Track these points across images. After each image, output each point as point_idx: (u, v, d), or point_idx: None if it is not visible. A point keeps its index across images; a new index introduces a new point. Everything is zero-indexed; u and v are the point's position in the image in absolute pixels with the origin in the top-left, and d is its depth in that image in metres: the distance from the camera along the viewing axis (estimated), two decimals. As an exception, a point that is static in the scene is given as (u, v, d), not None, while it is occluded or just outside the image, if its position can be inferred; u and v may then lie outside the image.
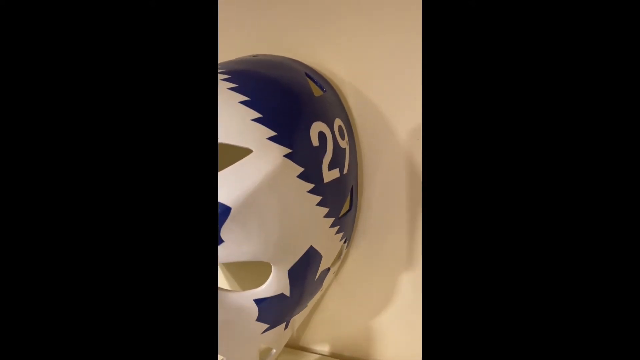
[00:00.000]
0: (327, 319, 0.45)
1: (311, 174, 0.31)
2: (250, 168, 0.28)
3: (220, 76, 0.31)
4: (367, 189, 0.41)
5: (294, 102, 0.32)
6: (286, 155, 0.29)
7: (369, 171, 0.40)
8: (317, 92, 0.35)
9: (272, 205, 0.29)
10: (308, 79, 0.35)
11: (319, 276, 0.35)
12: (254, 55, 0.37)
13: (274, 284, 0.31)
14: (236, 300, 0.31)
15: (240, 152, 0.30)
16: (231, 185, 0.27)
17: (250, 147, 0.28)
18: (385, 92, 0.39)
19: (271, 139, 0.29)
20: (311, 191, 0.31)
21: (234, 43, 0.43)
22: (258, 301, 0.31)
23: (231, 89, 0.30)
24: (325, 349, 0.45)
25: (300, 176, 0.30)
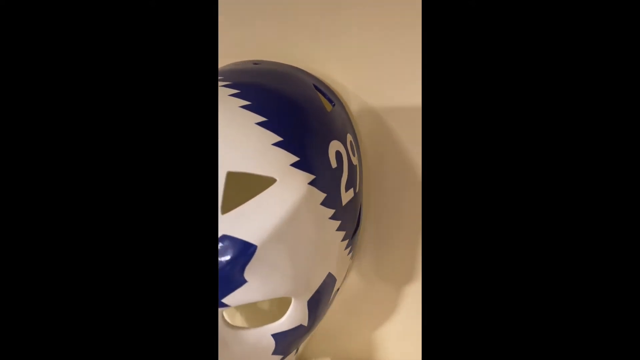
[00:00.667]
0: (328, 332, 0.43)
1: (332, 199, 0.29)
2: (275, 199, 0.25)
3: (228, 90, 0.28)
4: (370, 202, 0.39)
5: (310, 122, 0.29)
6: (310, 183, 0.27)
7: (372, 183, 0.39)
8: (327, 106, 0.33)
9: (297, 238, 0.26)
10: (318, 92, 0.33)
11: (331, 298, 0.34)
12: (255, 63, 0.34)
13: (293, 317, 0.29)
14: (253, 337, 0.29)
15: (260, 180, 0.27)
16: (256, 220, 0.25)
17: (274, 176, 0.26)
18: (389, 99, 0.37)
19: (295, 165, 0.26)
20: (332, 217, 0.29)
21: (231, 46, 0.39)
22: (276, 335, 0.29)
23: (244, 107, 0.27)
24: (326, 362, 0.44)
25: (324, 203, 0.28)
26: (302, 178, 0.26)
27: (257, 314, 0.43)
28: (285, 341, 0.30)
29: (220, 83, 0.29)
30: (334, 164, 0.29)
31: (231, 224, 0.24)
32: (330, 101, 0.34)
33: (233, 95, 0.28)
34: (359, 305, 0.42)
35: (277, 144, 0.26)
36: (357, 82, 0.38)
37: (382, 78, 0.37)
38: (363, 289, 0.42)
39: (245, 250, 0.25)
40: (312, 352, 0.45)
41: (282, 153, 0.26)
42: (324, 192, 0.28)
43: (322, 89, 0.34)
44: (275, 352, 0.30)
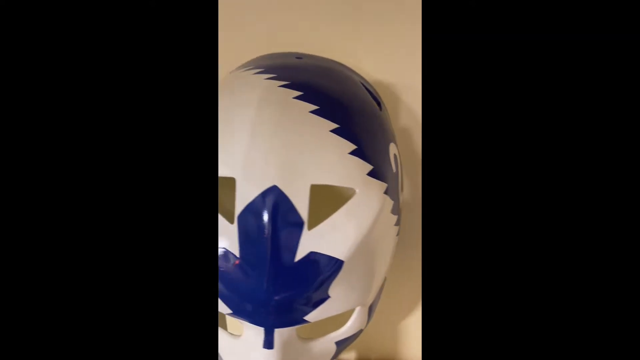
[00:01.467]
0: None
1: (396, 205, 0.28)
2: (357, 212, 0.24)
3: (290, 91, 0.26)
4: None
5: (373, 126, 0.28)
6: (385, 192, 0.26)
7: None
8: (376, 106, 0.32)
9: (373, 249, 0.26)
10: (367, 92, 0.31)
11: None
12: (298, 57, 0.31)
13: (357, 323, 0.29)
14: (319, 346, 0.28)
15: (331, 191, 0.26)
16: (341, 235, 0.24)
17: (354, 187, 0.24)
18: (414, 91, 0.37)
19: (370, 174, 0.25)
20: (396, 223, 0.28)
21: (243, 39, 0.37)
22: (339, 342, 0.29)
23: (314, 112, 0.25)
24: (351, 355, 0.45)
25: (392, 210, 0.27)
26: (378, 187, 0.25)
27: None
28: (344, 346, 0.30)
29: (277, 83, 0.27)
30: (394, 168, 0.29)
31: (317, 240, 0.23)
32: (376, 100, 0.33)
33: (297, 97, 0.26)
34: (384, 300, 0.43)
35: (353, 153, 0.25)
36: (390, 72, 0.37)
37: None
38: (388, 282, 0.42)
39: (331, 266, 0.24)
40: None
41: (358, 162, 0.25)
42: (392, 199, 0.27)
43: (368, 87, 0.32)
44: (333, 357, 0.30)
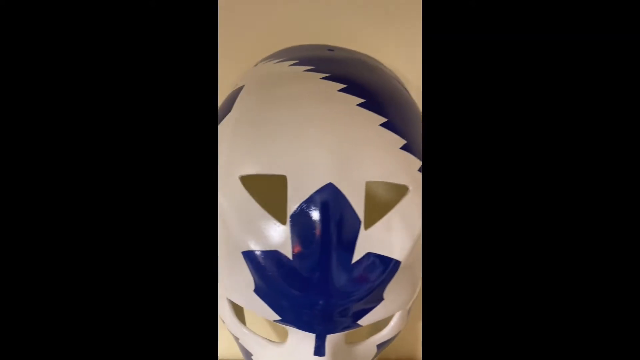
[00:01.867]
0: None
1: (438, 202, 0.27)
2: (413, 210, 0.23)
3: (333, 84, 0.24)
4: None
5: (415, 119, 0.27)
6: (434, 188, 0.25)
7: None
8: (410, 99, 0.31)
9: (420, 247, 0.25)
10: (400, 84, 0.30)
11: None
12: (330, 49, 0.30)
13: (398, 325, 0.28)
14: (362, 349, 0.27)
15: (380, 187, 0.24)
16: (398, 234, 0.23)
17: (406, 184, 0.23)
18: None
19: (420, 170, 0.24)
20: (438, 220, 0.28)
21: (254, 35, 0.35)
22: (379, 345, 0.28)
23: (361, 105, 0.24)
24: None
25: (437, 207, 0.26)
26: (428, 184, 0.25)
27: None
28: (383, 348, 0.29)
29: (317, 75, 0.25)
30: (434, 164, 0.28)
31: (374, 240, 0.22)
32: (407, 93, 0.32)
33: (342, 90, 0.24)
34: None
35: (403, 148, 0.24)
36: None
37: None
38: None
39: (389, 268, 0.23)
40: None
41: (409, 158, 0.24)
42: (438, 196, 0.26)
43: (399, 80, 0.31)
44: (372, 360, 0.29)
